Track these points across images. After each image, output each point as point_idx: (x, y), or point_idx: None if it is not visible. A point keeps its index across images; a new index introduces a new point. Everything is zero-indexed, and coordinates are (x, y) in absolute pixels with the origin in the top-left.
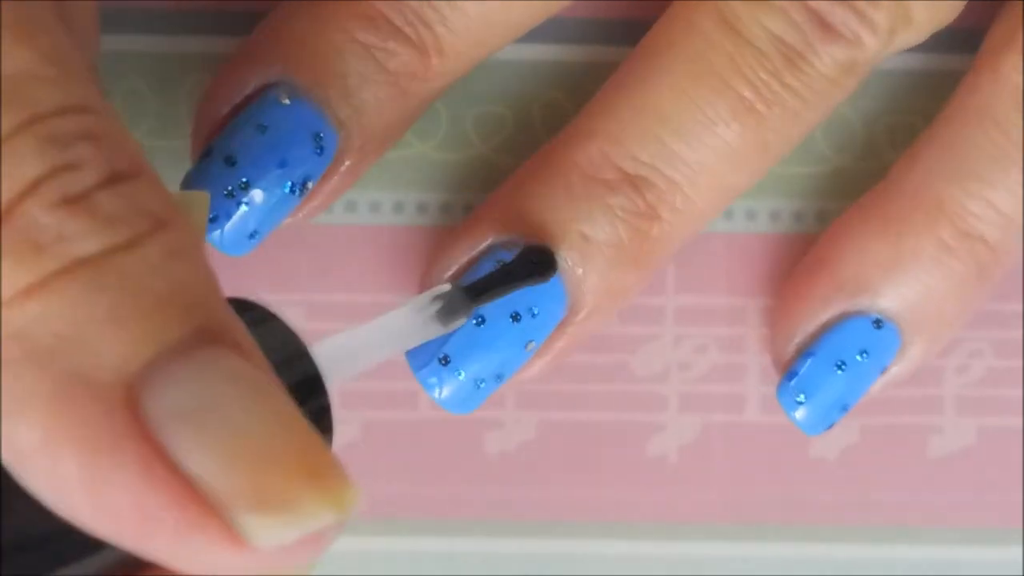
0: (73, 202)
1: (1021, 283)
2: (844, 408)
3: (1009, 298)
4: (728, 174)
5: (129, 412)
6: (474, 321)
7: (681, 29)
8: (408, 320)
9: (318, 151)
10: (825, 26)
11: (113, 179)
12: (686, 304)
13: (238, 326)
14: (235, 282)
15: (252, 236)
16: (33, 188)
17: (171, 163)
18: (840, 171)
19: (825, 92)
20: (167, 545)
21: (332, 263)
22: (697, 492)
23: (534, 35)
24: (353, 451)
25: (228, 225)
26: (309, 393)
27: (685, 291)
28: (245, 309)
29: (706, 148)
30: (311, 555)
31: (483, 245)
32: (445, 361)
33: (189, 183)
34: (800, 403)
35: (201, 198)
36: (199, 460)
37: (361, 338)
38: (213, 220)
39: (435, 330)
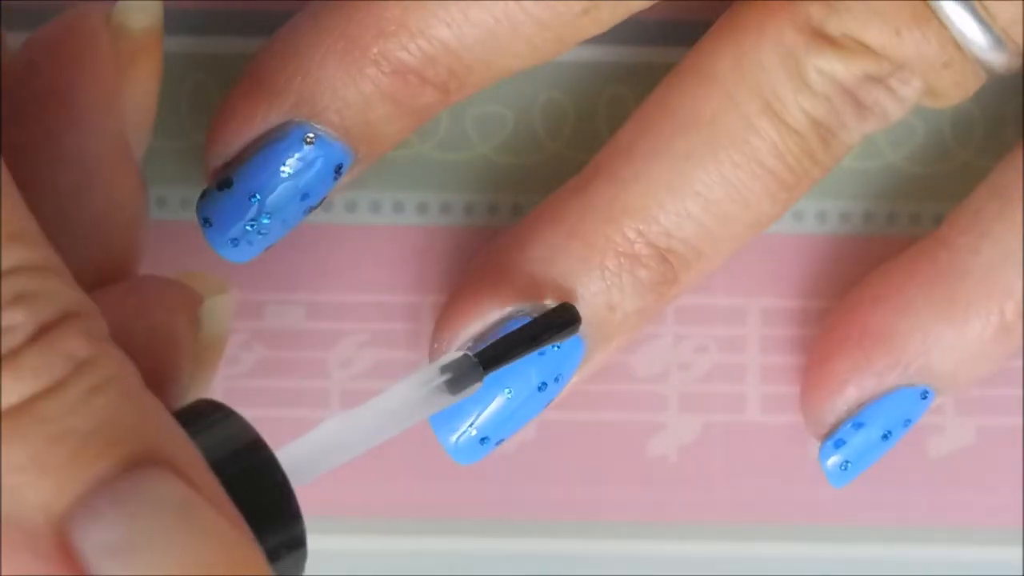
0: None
1: None
2: (871, 463)
3: None
4: (749, 236)
5: (60, 552)
6: (506, 394)
7: (722, 105)
8: (417, 394)
9: (336, 178)
10: (859, 105)
11: (40, 333)
12: (686, 304)
13: (177, 446)
14: (235, 282)
15: (265, 249)
16: None
17: (171, 163)
18: (840, 171)
19: (843, 155)
20: None
21: (332, 263)
22: (697, 492)
23: None
24: None
25: (249, 249)
26: (272, 498)
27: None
28: (207, 412)
29: (738, 223)
30: None
31: (508, 311)
32: (472, 432)
33: (210, 210)
34: (844, 470)
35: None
36: None
37: (369, 414)
38: (235, 244)
39: (445, 400)
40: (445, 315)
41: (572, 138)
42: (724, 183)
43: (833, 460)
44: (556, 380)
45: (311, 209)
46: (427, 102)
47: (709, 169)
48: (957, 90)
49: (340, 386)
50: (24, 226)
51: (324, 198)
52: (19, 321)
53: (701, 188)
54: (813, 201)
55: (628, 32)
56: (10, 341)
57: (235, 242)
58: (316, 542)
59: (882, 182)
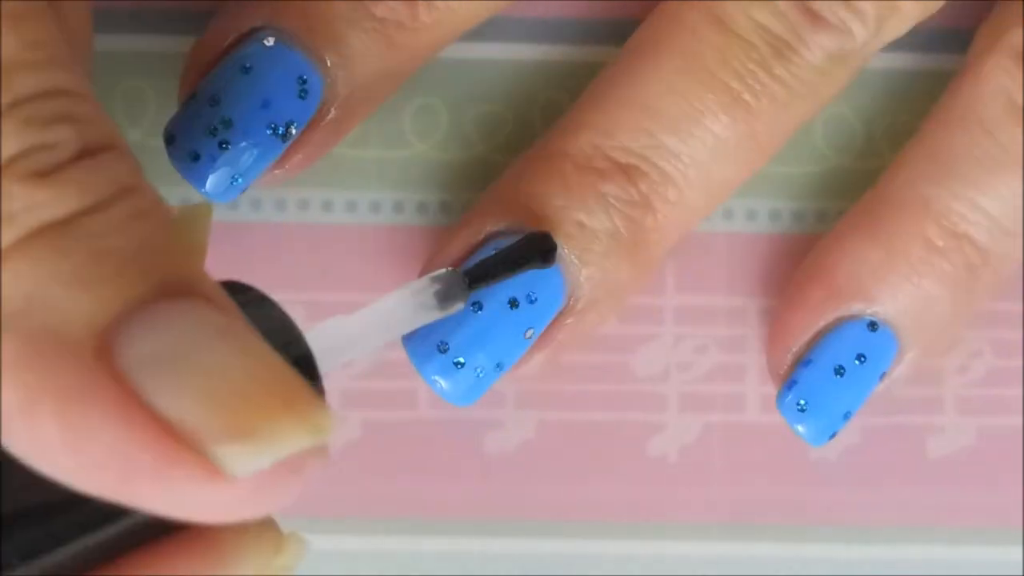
0: (45, 175)
1: (1021, 283)
2: (846, 416)
3: (1009, 298)
4: (719, 166)
5: (101, 363)
6: (471, 307)
7: (669, 24)
8: (405, 304)
9: (302, 95)
10: (813, 16)
11: (84, 154)
12: (686, 304)
13: (208, 281)
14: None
15: (236, 180)
16: (9, 165)
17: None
18: (840, 171)
19: (815, 83)
20: (149, 488)
21: (332, 263)
22: (697, 492)
23: (535, 35)
24: (353, 451)
25: (212, 168)
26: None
27: (685, 291)
28: (239, 291)
29: (696, 140)
30: (290, 485)
31: (481, 235)
32: (444, 349)
33: (174, 125)
34: (802, 412)
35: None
36: (172, 401)
37: (358, 322)
38: (196, 159)
39: (432, 314)
40: (438, 240)
41: None
42: (671, 92)
43: (789, 402)
44: (531, 301)
45: (281, 134)
46: (393, 9)
47: (654, 79)
48: (918, 3)
49: (340, 386)
50: (66, 54)
51: (293, 125)
52: (64, 138)
53: (650, 99)
54: (812, 201)
55: (628, 33)
56: (55, 156)
57: (197, 157)
58: (316, 542)
59: None
